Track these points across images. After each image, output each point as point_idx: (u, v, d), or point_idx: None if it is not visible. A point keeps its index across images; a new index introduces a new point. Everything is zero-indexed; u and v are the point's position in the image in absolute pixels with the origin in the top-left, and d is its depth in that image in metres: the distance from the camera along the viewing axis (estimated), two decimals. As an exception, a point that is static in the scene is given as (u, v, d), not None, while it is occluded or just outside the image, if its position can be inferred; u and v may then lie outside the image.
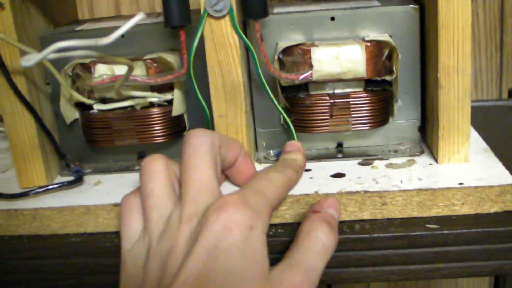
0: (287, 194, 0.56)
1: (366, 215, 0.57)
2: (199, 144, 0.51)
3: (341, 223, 0.57)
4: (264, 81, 0.59)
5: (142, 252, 0.49)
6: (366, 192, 0.56)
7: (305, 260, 0.48)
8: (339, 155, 0.64)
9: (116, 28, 0.47)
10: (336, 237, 0.50)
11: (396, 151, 0.64)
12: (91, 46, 0.46)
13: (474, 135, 0.68)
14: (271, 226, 0.57)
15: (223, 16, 0.57)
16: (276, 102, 0.60)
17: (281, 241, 0.55)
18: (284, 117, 0.61)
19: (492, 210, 0.57)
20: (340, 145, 0.65)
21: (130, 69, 0.54)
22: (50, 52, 0.46)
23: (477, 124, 0.71)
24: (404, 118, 0.64)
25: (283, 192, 0.54)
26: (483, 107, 0.86)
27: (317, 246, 0.49)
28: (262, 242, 0.47)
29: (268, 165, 0.63)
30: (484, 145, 0.65)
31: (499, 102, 0.88)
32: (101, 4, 0.98)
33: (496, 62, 1.02)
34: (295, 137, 0.62)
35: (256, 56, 0.58)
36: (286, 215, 0.57)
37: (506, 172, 0.59)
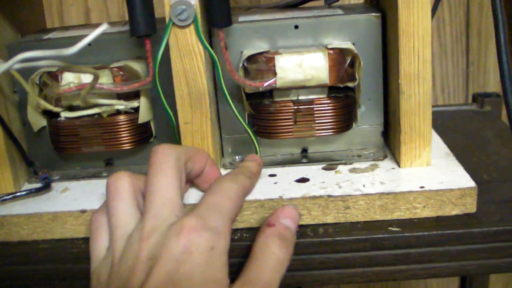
0: (245, 201, 0.58)
1: (329, 219, 0.58)
2: (163, 160, 0.52)
3: (305, 227, 0.58)
4: (225, 90, 0.60)
5: (105, 271, 0.50)
6: (329, 196, 0.58)
7: (261, 277, 0.49)
8: (304, 160, 0.65)
9: (82, 37, 0.48)
10: (290, 250, 0.52)
11: (359, 156, 0.65)
12: (56, 56, 0.47)
13: (437, 139, 0.69)
14: (236, 230, 0.58)
15: (188, 25, 0.58)
16: (236, 111, 0.61)
17: (246, 245, 0.56)
18: (244, 126, 0.62)
19: (453, 212, 0.58)
20: (305, 150, 0.66)
21: (96, 77, 0.55)
22: (15, 62, 0.47)
23: (442, 129, 0.72)
24: (367, 123, 0.66)
25: (238, 202, 0.54)
26: (448, 112, 0.88)
27: (272, 261, 0.50)
28: (223, 262, 0.48)
29: (233, 171, 0.65)
30: (446, 149, 0.67)
31: (463, 107, 0.90)
32: (71, 12, 0.99)
33: (463, 68, 1.04)
34: (257, 145, 0.63)
35: (219, 65, 0.59)
36: (251, 219, 0.58)
37: (467, 175, 0.60)
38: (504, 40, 0.57)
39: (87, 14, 0.98)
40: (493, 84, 1.06)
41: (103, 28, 0.48)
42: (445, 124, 0.82)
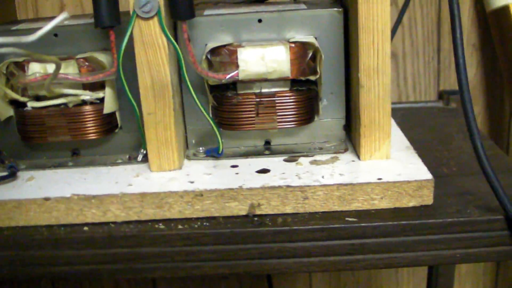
0: (206, 190, 0.59)
1: (288, 209, 0.59)
2: None
3: (264, 216, 0.59)
4: (188, 82, 0.61)
5: None
6: (288, 186, 0.59)
7: None
8: (266, 152, 0.67)
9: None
10: None
11: (321, 148, 0.67)
12: (16, 43, 0.48)
13: (399, 133, 0.71)
14: (197, 219, 0.59)
15: (152, 17, 0.59)
16: (199, 103, 0.62)
17: (207, 233, 0.57)
18: (207, 118, 0.63)
19: (410, 204, 0.59)
20: (268, 142, 0.68)
21: (58, 66, 0.56)
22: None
23: (408, 124, 0.74)
24: (330, 117, 0.67)
25: None
26: (415, 108, 0.89)
27: None
28: None
29: (197, 161, 0.66)
30: (407, 143, 0.68)
31: (430, 104, 0.92)
32: (45, 5, 0.99)
33: (434, 66, 1.06)
34: (219, 137, 0.64)
35: (182, 57, 0.61)
36: (212, 208, 0.59)
37: (425, 168, 0.61)
38: (460, 35, 0.58)
39: (62, 8, 0.99)
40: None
41: (62, 16, 0.49)
42: (411, 119, 0.84)
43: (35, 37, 0.47)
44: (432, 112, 0.89)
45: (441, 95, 0.92)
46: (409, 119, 0.83)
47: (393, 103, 0.89)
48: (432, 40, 1.05)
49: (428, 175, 0.60)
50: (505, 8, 0.98)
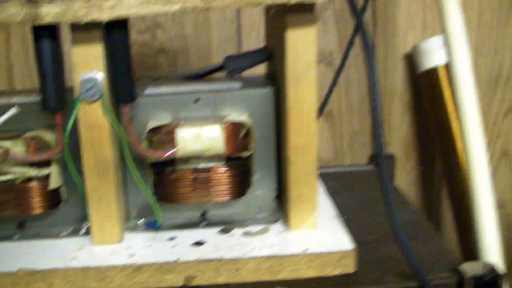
0: (143, 264, 0.63)
1: (221, 280, 0.64)
2: None
3: (199, 287, 0.63)
4: (130, 161, 0.65)
5: None
6: (221, 260, 0.63)
7: None
8: (203, 223, 0.71)
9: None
10: None
11: (254, 218, 0.71)
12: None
13: (326, 202, 0.76)
14: (136, 292, 0.63)
15: (95, 101, 0.63)
16: (139, 179, 0.66)
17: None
18: (144, 193, 0.68)
19: (334, 272, 0.65)
20: (204, 213, 0.72)
21: (6, 153, 0.60)
22: None
23: (338, 189, 0.78)
24: (262, 188, 0.71)
25: None
26: (346, 172, 0.94)
27: None
28: None
29: (137, 234, 0.70)
30: (333, 212, 0.73)
31: (361, 168, 0.96)
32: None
33: (368, 127, 1.11)
34: (156, 210, 0.68)
35: (123, 139, 0.65)
36: (150, 281, 0.63)
37: (348, 238, 0.67)
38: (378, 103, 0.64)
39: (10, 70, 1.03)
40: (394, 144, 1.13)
41: (12, 112, 0.53)
42: (342, 184, 0.88)
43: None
44: (362, 176, 0.94)
45: (371, 159, 0.97)
46: (340, 183, 0.88)
47: (325, 167, 0.94)
48: (368, 100, 1.10)
49: (350, 246, 0.65)
50: (433, 70, 1.04)
